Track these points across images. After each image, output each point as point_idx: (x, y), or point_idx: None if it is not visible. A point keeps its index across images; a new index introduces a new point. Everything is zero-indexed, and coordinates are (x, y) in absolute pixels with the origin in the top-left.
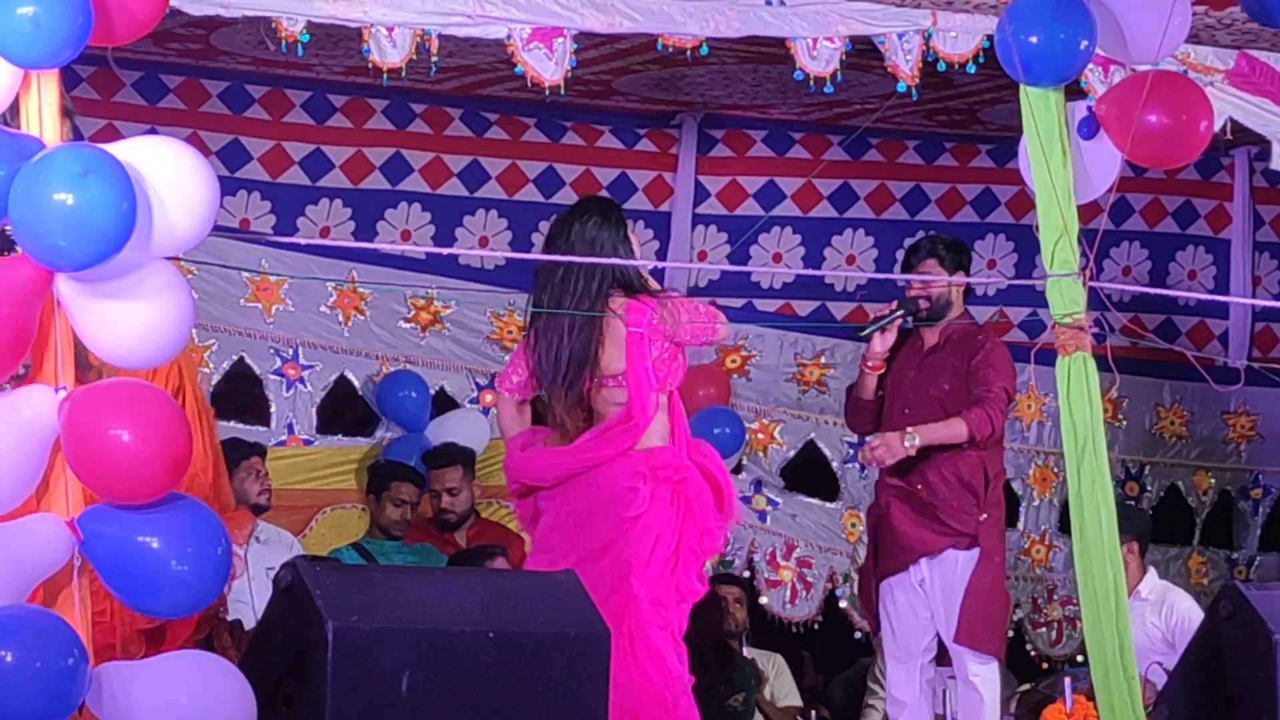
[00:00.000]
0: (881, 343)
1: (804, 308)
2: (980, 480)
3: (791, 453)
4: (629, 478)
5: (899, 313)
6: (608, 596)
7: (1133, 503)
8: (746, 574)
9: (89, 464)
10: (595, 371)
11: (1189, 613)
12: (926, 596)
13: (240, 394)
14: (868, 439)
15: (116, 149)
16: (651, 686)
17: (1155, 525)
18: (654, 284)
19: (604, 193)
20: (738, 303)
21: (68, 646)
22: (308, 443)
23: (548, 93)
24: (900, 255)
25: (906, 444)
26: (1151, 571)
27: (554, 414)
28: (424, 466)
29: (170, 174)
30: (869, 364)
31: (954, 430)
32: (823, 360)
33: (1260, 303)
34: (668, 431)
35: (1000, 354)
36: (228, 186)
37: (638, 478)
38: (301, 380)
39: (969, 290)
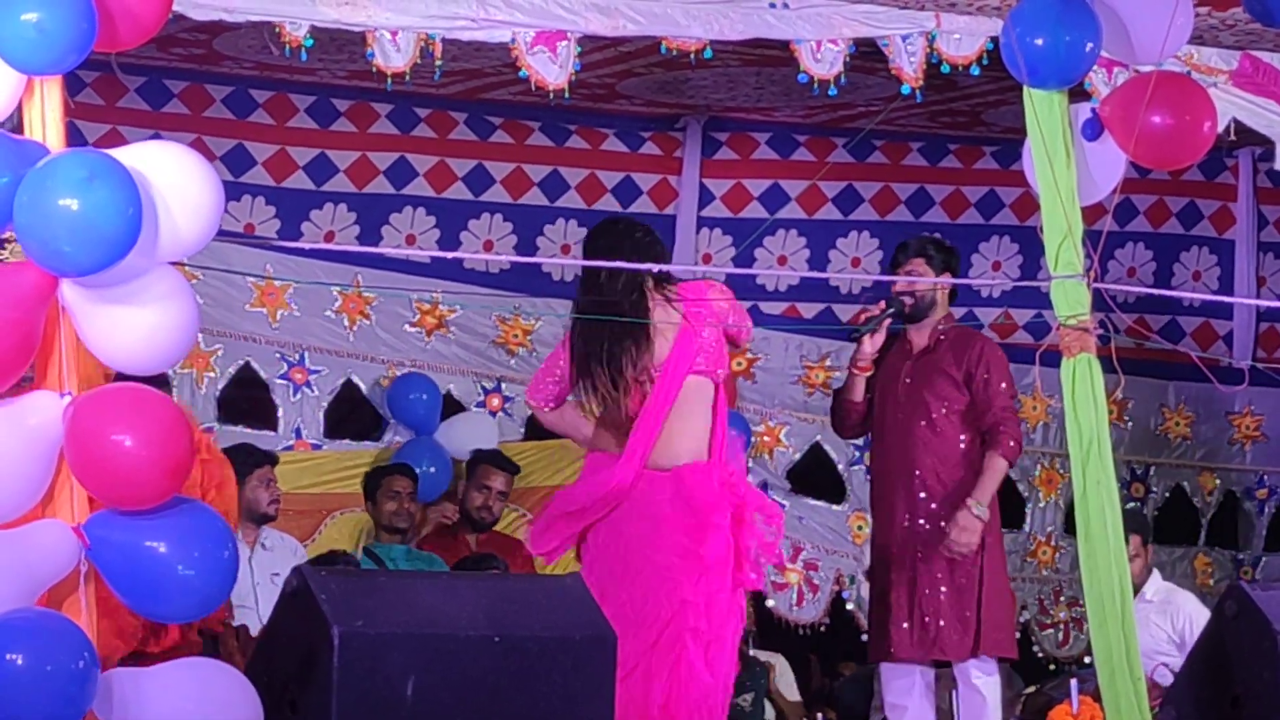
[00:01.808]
0: (871, 344)
1: (809, 310)
2: (971, 483)
3: (798, 455)
4: (707, 507)
5: (889, 311)
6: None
7: (1137, 504)
8: (753, 576)
9: (90, 469)
10: (644, 362)
11: (1194, 614)
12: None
13: (247, 399)
14: (950, 539)
15: (121, 154)
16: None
17: (1160, 526)
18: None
19: (609, 196)
20: (743, 305)
21: (78, 650)
22: (315, 447)
23: (552, 96)
24: None
25: (978, 513)
26: (1155, 573)
27: (593, 410)
28: (445, 471)
29: (175, 179)
30: (859, 365)
31: (997, 472)
32: (828, 363)
33: (1265, 303)
34: (704, 440)
35: (999, 362)
36: (232, 191)
37: (713, 509)
38: (308, 384)
39: (954, 293)
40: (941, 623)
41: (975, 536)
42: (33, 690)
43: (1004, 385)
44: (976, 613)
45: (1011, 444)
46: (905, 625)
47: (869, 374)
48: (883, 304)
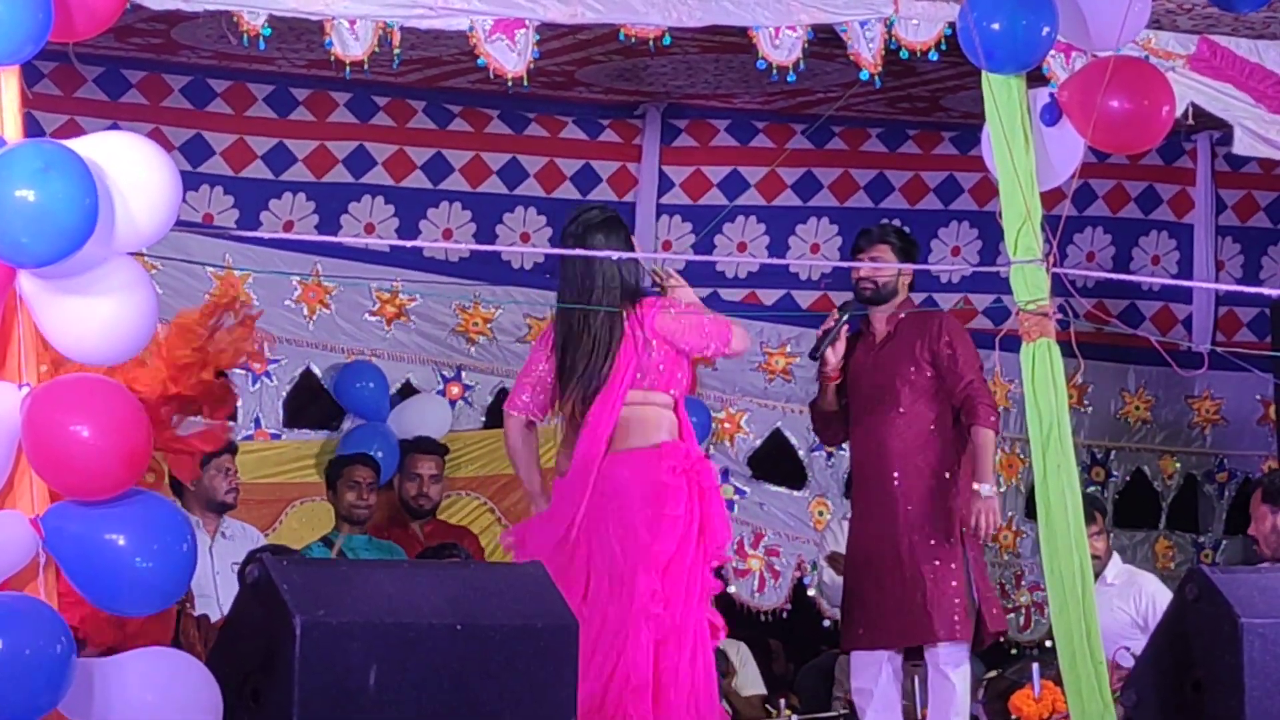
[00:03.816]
0: (835, 354)
1: (769, 297)
2: (949, 470)
3: (758, 441)
4: (668, 473)
5: (844, 319)
6: (624, 583)
7: (1097, 488)
8: (714, 563)
9: (46, 460)
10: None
11: (1157, 596)
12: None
13: None
14: (974, 528)
15: (78, 145)
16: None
17: (1121, 510)
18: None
19: (568, 184)
20: (703, 292)
21: (56, 634)
22: (275, 437)
23: (510, 84)
24: None
25: (986, 494)
26: (1116, 557)
27: (571, 428)
28: (393, 455)
29: (132, 169)
30: (828, 376)
31: (988, 445)
32: (788, 349)
33: (1223, 287)
34: (676, 429)
35: (961, 334)
36: (190, 181)
37: (676, 473)
38: (268, 374)
39: (915, 282)
40: (916, 608)
41: (995, 515)
42: (13, 676)
43: (970, 356)
44: (949, 598)
45: (990, 414)
46: (880, 611)
47: (838, 381)
48: (835, 313)
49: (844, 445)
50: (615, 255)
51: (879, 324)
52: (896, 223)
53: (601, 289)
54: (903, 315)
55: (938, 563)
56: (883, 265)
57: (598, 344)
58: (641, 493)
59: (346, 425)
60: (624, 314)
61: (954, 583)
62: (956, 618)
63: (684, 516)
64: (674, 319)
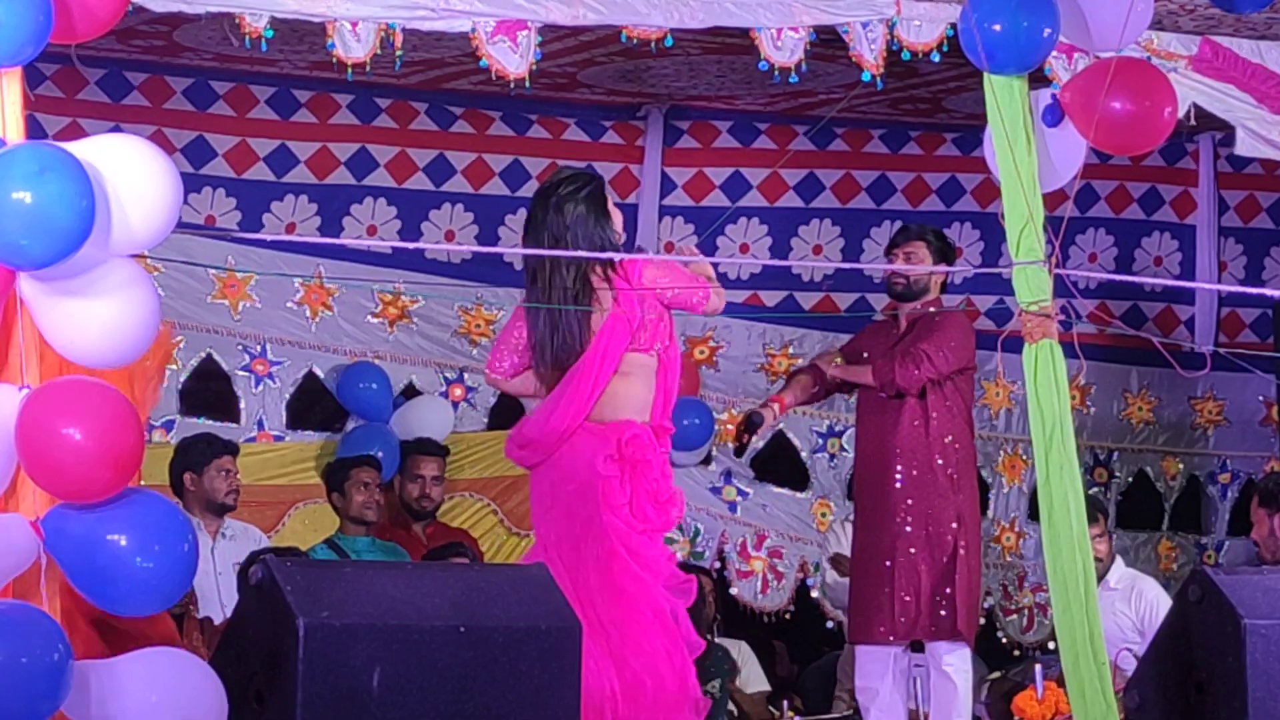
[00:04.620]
0: (770, 414)
1: (771, 298)
2: (952, 469)
3: (761, 443)
4: (602, 461)
5: (743, 425)
6: (600, 573)
7: (1100, 489)
8: (717, 565)
9: (37, 462)
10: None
11: (1158, 599)
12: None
13: (209, 391)
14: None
15: (76, 147)
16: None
17: (1124, 511)
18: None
19: None
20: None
21: (52, 642)
22: (278, 439)
23: (513, 86)
24: (866, 244)
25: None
26: (1119, 560)
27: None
28: (394, 455)
29: (131, 172)
30: (773, 419)
31: (858, 372)
32: (790, 350)
33: (1225, 288)
34: (647, 404)
35: (948, 322)
36: (192, 183)
37: (610, 462)
38: (270, 376)
39: (945, 285)
40: (919, 602)
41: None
42: (9, 684)
43: (949, 342)
44: (951, 595)
45: (883, 369)
46: (884, 606)
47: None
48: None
49: (846, 446)
50: (616, 257)
51: (903, 319)
52: (899, 224)
53: (566, 261)
54: (921, 313)
55: (938, 561)
56: (888, 267)
57: (562, 316)
58: (579, 485)
59: (350, 426)
60: (605, 276)
61: (955, 581)
62: (957, 617)
63: (620, 507)
64: (660, 270)
